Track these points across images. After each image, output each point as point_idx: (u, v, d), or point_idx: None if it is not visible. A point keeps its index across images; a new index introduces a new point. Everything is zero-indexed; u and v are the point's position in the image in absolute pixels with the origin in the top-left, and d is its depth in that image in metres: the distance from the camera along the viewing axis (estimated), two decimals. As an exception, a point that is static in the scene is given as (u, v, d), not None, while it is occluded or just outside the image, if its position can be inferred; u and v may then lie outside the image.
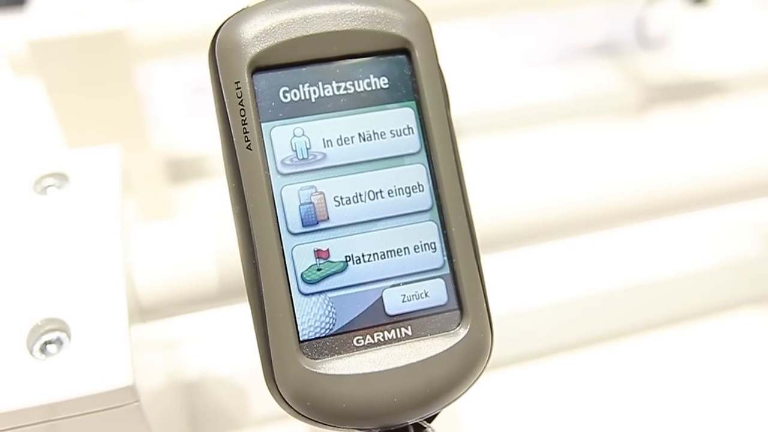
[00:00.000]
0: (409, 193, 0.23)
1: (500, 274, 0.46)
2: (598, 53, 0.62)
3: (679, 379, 0.41)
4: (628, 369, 0.42)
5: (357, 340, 0.22)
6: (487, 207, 0.31)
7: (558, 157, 0.35)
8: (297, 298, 0.22)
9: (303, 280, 0.22)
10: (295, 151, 0.23)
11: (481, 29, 0.66)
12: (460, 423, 0.39)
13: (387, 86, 0.24)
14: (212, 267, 0.27)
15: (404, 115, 0.24)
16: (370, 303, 0.23)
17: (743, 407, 0.40)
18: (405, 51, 0.24)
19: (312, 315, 0.22)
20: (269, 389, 0.22)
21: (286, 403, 0.22)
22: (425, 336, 0.23)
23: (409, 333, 0.23)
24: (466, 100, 0.60)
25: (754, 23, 0.69)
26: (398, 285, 0.23)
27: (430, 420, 0.23)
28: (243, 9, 0.24)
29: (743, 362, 0.42)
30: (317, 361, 0.22)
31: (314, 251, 0.23)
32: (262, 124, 0.23)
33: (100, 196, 0.27)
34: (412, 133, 0.24)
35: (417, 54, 0.24)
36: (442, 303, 0.23)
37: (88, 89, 0.40)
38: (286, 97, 0.23)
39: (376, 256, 0.23)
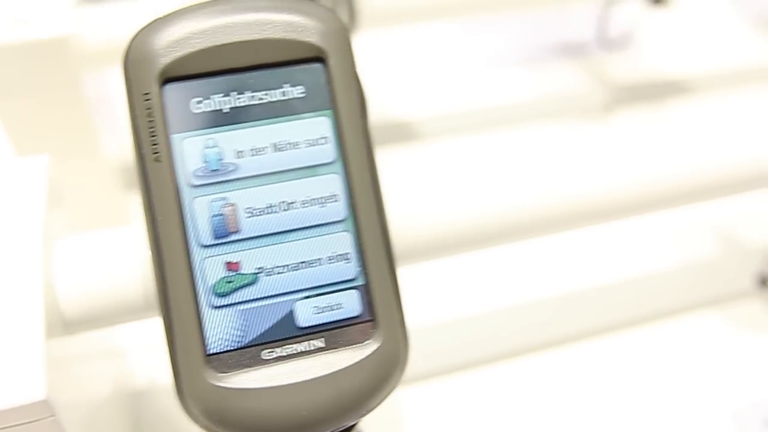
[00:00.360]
0: (324, 203, 0.23)
1: (461, 277, 0.46)
2: (565, 54, 0.62)
3: (634, 382, 0.41)
4: (582, 373, 0.42)
5: (266, 353, 0.22)
6: (447, 210, 0.31)
7: (518, 159, 0.35)
8: (207, 311, 0.22)
9: (214, 292, 0.22)
10: (207, 162, 0.23)
11: (452, 30, 0.66)
12: None
13: (303, 95, 0.24)
14: (138, 278, 0.27)
15: (320, 125, 0.24)
16: (281, 315, 0.22)
17: (701, 407, 0.40)
18: (320, 60, 0.24)
19: (221, 328, 0.22)
20: (180, 403, 0.22)
21: (196, 416, 0.22)
22: (337, 348, 0.22)
23: (322, 345, 0.23)
24: (430, 101, 0.60)
25: (717, 23, 0.69)
26: (311, 297, 0.23)
27: (348, 430, 0.23)
28: (155, 19, 0.23)
29: (701, 364, 0.42)
30: (225, 374, 0.22)
31: (225, 263, 0.22)
32: (172, 136, 0.23)
33: (23, 207, 0.27)
34: (328, 142, 0.24)
35: (332, 63, 0.24)
36: (356, 315, 0.23)
37: (35, 97, 0.40)
38: (197, 108, 0.23)
39: (287, 267, 0.23)
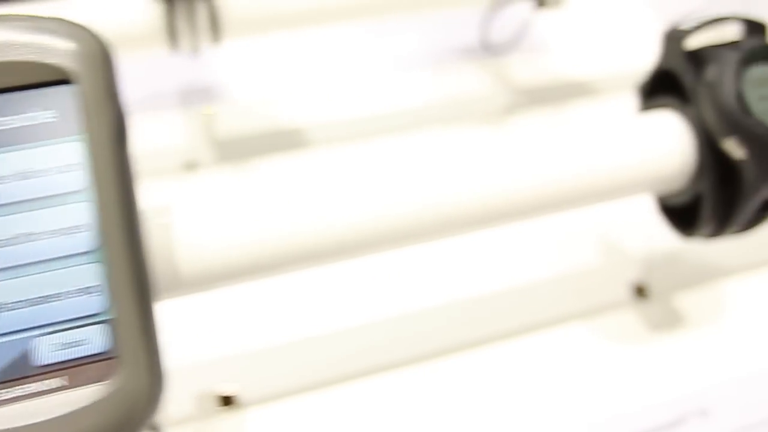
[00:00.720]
0: (71, 233, 0.22)
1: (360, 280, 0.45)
2: (466, 57, 0.61)
3: (504, 396, 0.40)
4: (447, 389, 0.41)
5: (1, 394, 0.21)
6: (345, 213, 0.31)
7: (406, 165, 0.34)
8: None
9: (-54, 329, 0.21)
10: (-57, 192, 0.22)
11: (357, 32, 0.65)
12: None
13: (53, 120, 0.23)
14: None
15: (70, 151, 0.23)
16: (16, 354, 0.21)
17: (571, 421, 0.39)
18: (69, 82, 0.23)
19: (-48, 368, 0.21)
20: None
21: None
22: (77, 387, 0.22)
23: (60, 384, 0.22)
24: (328, 106, 0.59)
25: (631, 24, 0.68)
26: (51, 333, 0.22)
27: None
28: None
29: (572, 376, 0.41)
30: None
31: (-42, 299, 0.21)
32: None
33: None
34: (78, 169, 0.22)
35: (85, 86, 0.23)
36: (99, 351, 0.22)
37: None
38: (-64, 135, 0.22)
39: (26, 302, 0.22)
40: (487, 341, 0.43)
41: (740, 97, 0.33)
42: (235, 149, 0.57)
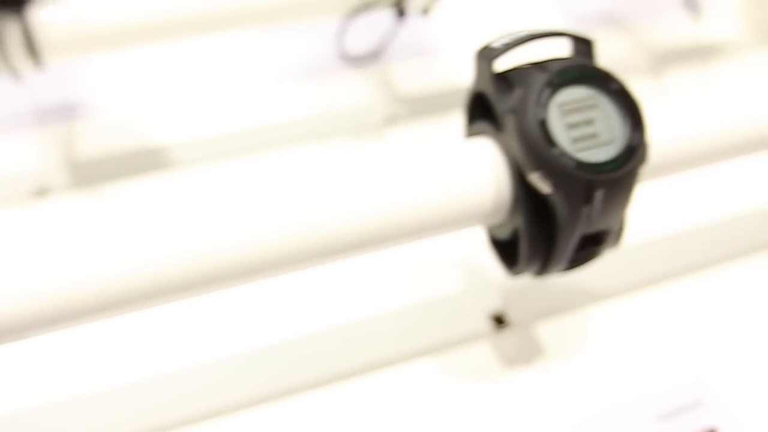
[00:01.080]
0: None
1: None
2: (347, 66, 0.57)
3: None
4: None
5: None
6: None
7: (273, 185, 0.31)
8: None
9: None
10: None
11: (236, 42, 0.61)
12: None
13: None
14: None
15: None
16: None
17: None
18: None
19: None
20: None
21: None
22: None
23: None
24: (198, 122, 0.55)
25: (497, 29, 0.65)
26: None
27: None
28: None
29: (429, 411, 0.38)
30: None
31: None
32: None
33: None
34: None
35: None
36: None
37: None
38: None
39: None
40: (335, 378, 0.40)
41: (543, 126, 0.29)
42: (93, 172, 0.53)
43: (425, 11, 0.50)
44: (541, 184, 0.29)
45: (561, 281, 0.43)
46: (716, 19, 0.65)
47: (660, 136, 0.32)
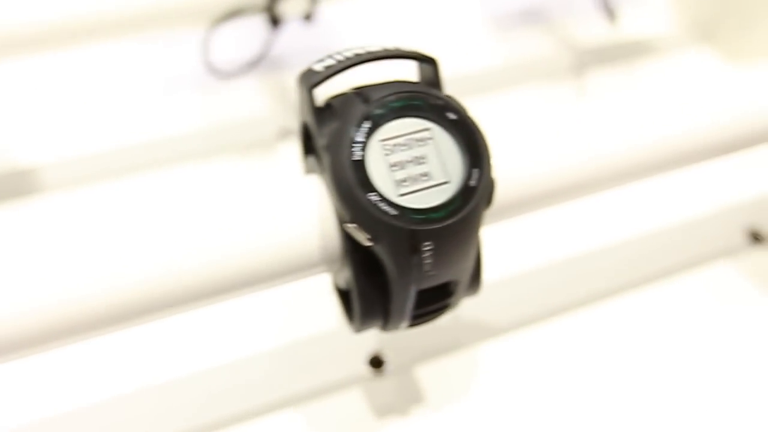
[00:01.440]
0: None
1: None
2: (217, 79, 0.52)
3: None
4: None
5: None
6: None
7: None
8: None
9: None
10: None
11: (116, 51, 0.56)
12: None
13: None
14: None
15: None
16: None
17: None
18: None
19: None
20: None
21: None
22: None
23: None
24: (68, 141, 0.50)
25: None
26: None
27: None
28: None
29: None
30: None
31: None
32: None
33: None
34: None
35: None
36: None
37: None
38: None
39: None
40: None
41: (359, 167, 0.25)
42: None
43: (307, 17, 0.45)
44: (358, 234, 0.25)
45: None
46: (645, 16, 0.60)
47: (515, 169, 0.28)
